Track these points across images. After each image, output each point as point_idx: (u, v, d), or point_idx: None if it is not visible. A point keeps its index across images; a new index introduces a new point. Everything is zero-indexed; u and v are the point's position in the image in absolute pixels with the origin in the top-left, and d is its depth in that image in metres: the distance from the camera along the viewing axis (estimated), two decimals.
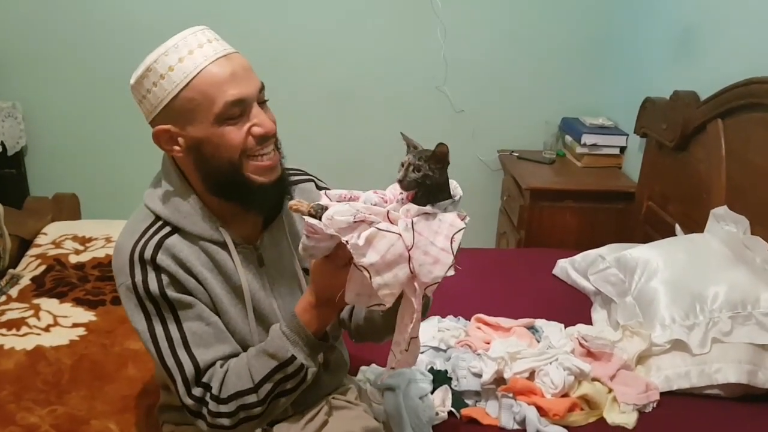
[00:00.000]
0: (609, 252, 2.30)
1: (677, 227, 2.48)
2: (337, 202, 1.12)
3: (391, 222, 1.11)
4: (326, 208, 1.09)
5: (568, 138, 3.33)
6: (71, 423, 1.62)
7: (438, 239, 1.09)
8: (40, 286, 2.21)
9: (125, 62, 3.21)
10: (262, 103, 1.25)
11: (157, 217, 1.26)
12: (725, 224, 2.19)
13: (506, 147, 3.43)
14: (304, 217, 1.10)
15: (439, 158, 1.13)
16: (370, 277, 1.07)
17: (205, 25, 1.26)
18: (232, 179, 1.22)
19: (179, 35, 1.19)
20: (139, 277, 1.21)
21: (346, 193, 1.16)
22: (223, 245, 1.28)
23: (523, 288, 2.37)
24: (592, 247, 2.43)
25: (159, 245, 1.23)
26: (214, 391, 1.22)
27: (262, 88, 1.24)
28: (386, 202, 1.17)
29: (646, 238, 2.59)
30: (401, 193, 1.15)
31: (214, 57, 1.18)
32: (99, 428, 1.60)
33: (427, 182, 1.12)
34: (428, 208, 1.11)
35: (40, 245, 2.48)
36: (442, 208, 1.13)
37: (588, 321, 2.15)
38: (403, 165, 1.14)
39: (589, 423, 1.71)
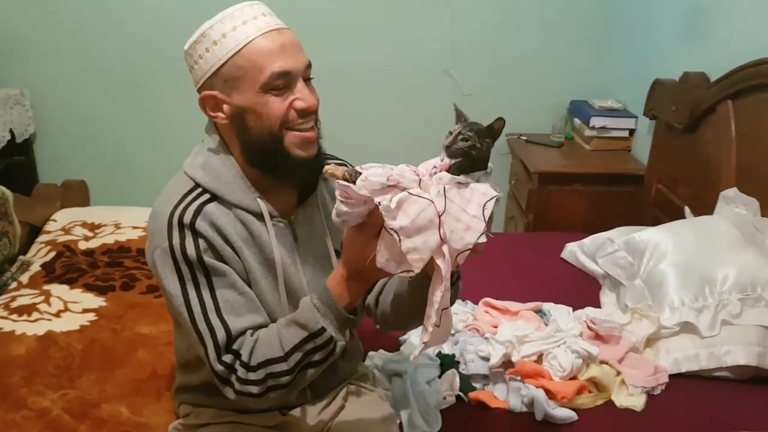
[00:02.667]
0: (618, 235, 2.29)
1: (686, 210, 2.46)
2: None
3: (423, 190, 1.12)
4: (359, 173, 1.11)
5: (577, 121, 3.31)
6: (82, 406, 1.63)
7: (470, 207, 1.10)
8: (50, 273, 2.23)
9: (132, 49, 3.25)
10: (307, 80, 1.28)
11: (197, 185, 1.28)
12: (735, 206, 2.17)
13: (514, 131, 3.41)
14: (338, 181, 1.11)
15: (494, 133, 1.17)
16: (400, 241, 1.08)
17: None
18: (272, 150, 1.25)
19: (235, 6, 1.23)
20: (176, 240, 1.22)
21: (380, 166, 1.16)
22: (260, 216, 1.30)
23: (531, 272, 2.37)
24: (601, 230, 2.42)
25: (198, 211, 1.24)
26: (244, 358, 1.23)
27: (308, 66, 1.27)
28: (417, 176, 1.17)
29: (655, 221, 2.58)
30: (434, 167, 1.16)
31: (266, 29, 1.22)
32: (110, 411, 1.62)
33: (473, 153, 1.13)
34: (461, 177, 1.12)
35: (49, 232, 2.50)
36: (475, 179, 1.14)
37: (597, 304, 2.15)
38: (451, 133, 1.15)
39: (598, 405, 1.71)
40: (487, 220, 1.10)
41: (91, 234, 2.48)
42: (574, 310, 2.05)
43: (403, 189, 1.10)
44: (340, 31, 3.28)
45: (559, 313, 2.02)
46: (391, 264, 1.13)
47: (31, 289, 2.13)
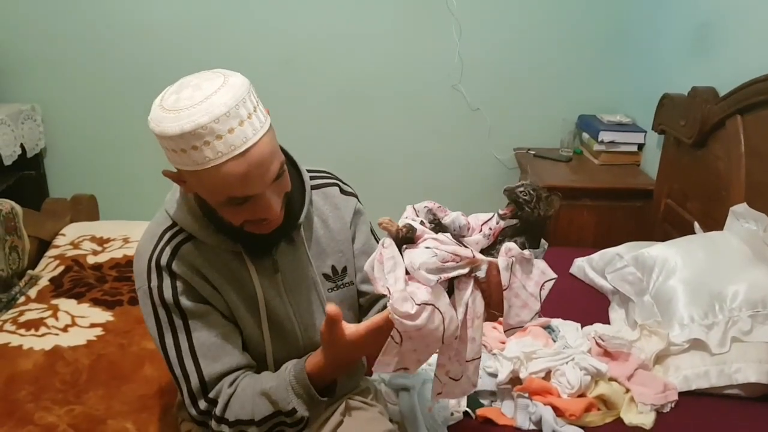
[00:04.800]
0: (627, 250, 2.27)
1: (696, 225, 2.45)
2: (424, 218, 1.13)
3: (475, 260, 1.09)
4: (414, 230, 1.08)
5: (586, 135, 3.31)
6: (89, 422, 1.63)
7: (530, 284, 1.10)
8: (59, 287, 2.23)
9: (143, 64, 3.28)
10: (277, 178, 1.16)
11: (174, 222, 1.28)
12: (745, 222, 2.16)
13: (523, 145, 3.42)
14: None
15: (548, 203, 1.15)
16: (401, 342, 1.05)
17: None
18: (237, 229, 1.22)
19: (196, 121, 1.05)
20: (154, 283, 1.23)
21: (433, 205, 1.15)
22: (238, 255, 1.29)
23: None
24: (610, 245, 2.41)
25: (174, 252, 1.25)
26: (218, 411, 1.25)
27: (279, 168, 1.15)
28: (469, 230, 1.17)
29: (664, 236, 2.56)
30: (489, 228, 1.15)
31: (228, 156, 1.06)
32: (116, 428, 1.62)
33: (525, 208, 1.13)
34: (527, 252, 1.10)
35: (58, 246, 2.51)
36: (534, 256, 1.13)
37: (605, 320, 2.13)
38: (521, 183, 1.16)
39: (606, 423, 1.70)
40: (543, 300, 1.10)
41: (99, 248, 2.49)
42: (582, 327, 2.04)
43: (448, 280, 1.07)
44: (347, 47, 3.30)
45: (568, 329, 2.01)
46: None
47: (39, 304, 2.14)
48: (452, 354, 1.13)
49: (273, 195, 1.16)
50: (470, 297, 1.08)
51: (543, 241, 1.18)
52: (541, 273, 1.11)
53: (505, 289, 1.07)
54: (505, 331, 1.13)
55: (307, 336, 1.37)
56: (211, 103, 1.06)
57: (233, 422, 1.24)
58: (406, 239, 1.08)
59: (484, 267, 1.10)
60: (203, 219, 1.26)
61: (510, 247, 1.09)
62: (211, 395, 1.25)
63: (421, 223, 1.13)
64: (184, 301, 1.23)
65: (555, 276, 1.11)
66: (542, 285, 1.10)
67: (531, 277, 1.10)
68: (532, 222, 1.15)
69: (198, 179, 1.11)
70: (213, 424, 1.25)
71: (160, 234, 1.27)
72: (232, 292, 1.28)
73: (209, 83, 1.09)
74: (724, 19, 2.52)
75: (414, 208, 1.14)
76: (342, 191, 1.46)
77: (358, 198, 1.49)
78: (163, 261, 1.23)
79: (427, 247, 1.07)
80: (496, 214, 1.17)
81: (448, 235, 1.13)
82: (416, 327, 1.02)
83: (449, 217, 1.15)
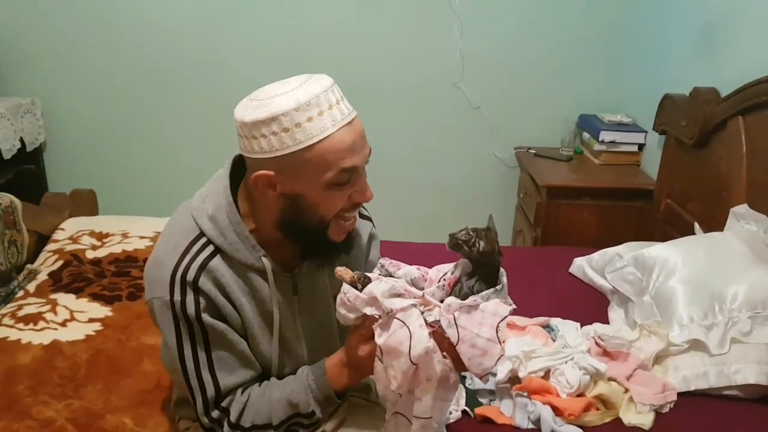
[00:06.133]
0: (627, 250, 2.27)
1: (696, 226, 2.45)
2: (378, 272, 1.22)
3: (425, 300, 1.17)
4: (370, 280, 1.15)
5: (586, 135, 3.30)
6: (87, 417, 1.63)
7: (484, 330, 1.11)
8: (57, 282, 2.23)
9: (143, 60, 3.28)
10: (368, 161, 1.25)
11: (202, 233, 1.26)
12: (745, 223, 2.16)
13: (523, 144, 3.42)
14: (344, 284, 1.17)
15: (488, 239, 1.17)
16: (382, 356, 1.14)
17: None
18: (312, 232, 1.24)
19: (310, 91, 1.14)
20: (177, 297, 1.22)
21: (385, 261, 1.24)
22: (263, 273, 1.29)
23: (539, 286, 2.35)
24: (610, 245, 2.41)
25: (202, 267, 1.23)
26: (232, 418, 1.27)
27: (370, 150, 1.24)
28: (425, 281, 1.22)
29: (664, 237, 2.56)
30: (444, 279, 1.19)
31: (341, 123, 1.16)
32: (114, 422, 1.61)
33: (464, 248, 1.16)
34: (469, 301, 1.13)
35: (57, 241, 2.50)
36: (484, 298, 1.14)
37: (605, 320, 2.13)
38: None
39: (605, 423, 1.69)
40: (503, 341, 1.11)
41: (98, 243, 2.49)
42: (581, 326, 2.03)
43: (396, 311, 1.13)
44: (349, 45, 3.29)
45: (567, 328, 2.00)
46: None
47: (37, 298, 2.14)
48: (403, 403, 1.20)
49: (365, 178, 1.24)
50: (425, 350, 1.11)
51: (502, 272, 1.19)
52: (493, 315, 1.12)
53: (456, 345, 1.10)
54: (479, 378, 1.16)
55: (312, 359, 1.38)
56: (311, 83, 1.15)
57: (249, 428, 1.28)
58: (362, 286, 1.17)
59: (436, 311, 1.14)
60: (236, 233, 1.25)
61: (449, 303, 1.13)
62: (224, 404, 1.28)
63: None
64: (206, 318, 1.23)
65: (507, 314, 1.12)
66: (497, 326, 1.11)
67: (484, 323, 1.11)
68: (478, 261, 1.17)
69: (305, 163, 1.15)
70: (226, 430, 1.28)
71: (186, 246, 1.25)
72: (250, 309, 1.29)
73: (292, 80, 1.17)
74: (727, 19, 2.52)
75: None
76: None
77: (373, 222, 1.51)
78: (189, 276, 1.22)
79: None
80: (454, 265, 1.22)
81: (402, 280, 1.20)
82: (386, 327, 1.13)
83: (401, 271, 1.21)
